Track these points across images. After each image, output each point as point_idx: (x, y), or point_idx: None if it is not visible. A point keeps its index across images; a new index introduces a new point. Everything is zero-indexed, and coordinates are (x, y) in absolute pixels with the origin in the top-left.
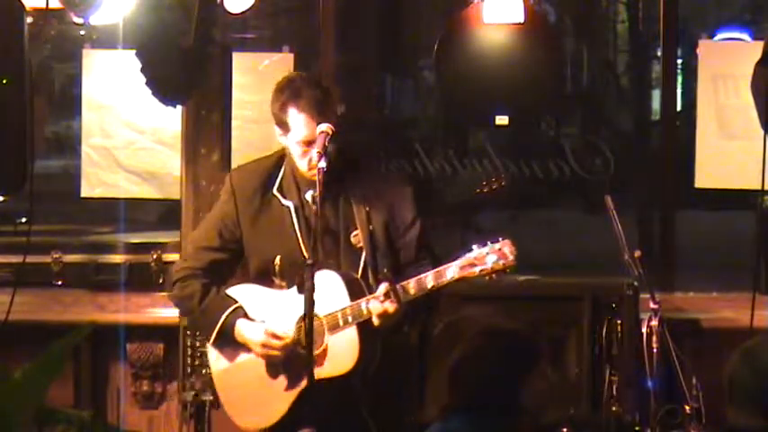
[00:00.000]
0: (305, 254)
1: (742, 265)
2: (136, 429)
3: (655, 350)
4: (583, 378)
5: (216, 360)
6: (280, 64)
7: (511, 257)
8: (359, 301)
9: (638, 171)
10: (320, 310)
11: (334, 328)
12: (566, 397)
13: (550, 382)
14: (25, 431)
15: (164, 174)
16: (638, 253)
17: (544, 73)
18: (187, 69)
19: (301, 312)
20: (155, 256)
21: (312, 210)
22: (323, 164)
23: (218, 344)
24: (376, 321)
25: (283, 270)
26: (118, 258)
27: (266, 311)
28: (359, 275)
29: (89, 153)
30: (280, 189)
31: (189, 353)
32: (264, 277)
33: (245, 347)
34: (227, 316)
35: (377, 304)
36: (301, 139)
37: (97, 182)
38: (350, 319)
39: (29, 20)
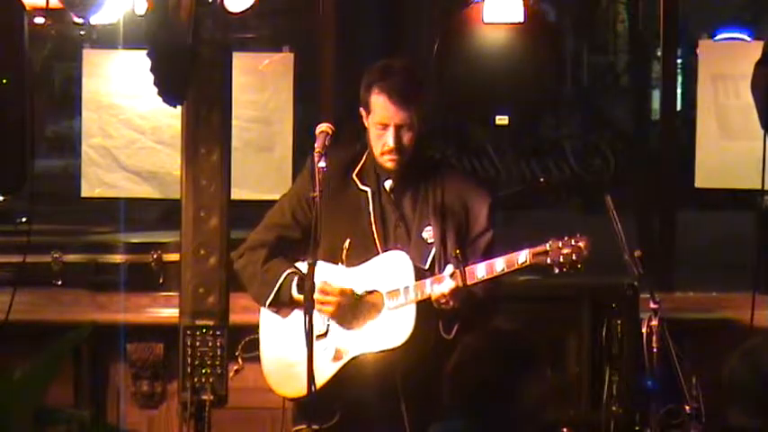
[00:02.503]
0: (375, 240)
1: (742, 265)
2: (136, 429)
3: (655, 350)
4: (583, 378)
5: (267, 325)
6: (280, 64)
7: (585, 253)
8: (424, 280)
9: (638, 171)
10: (384, 286)
11: (394, 303)
12: (566, 397)
13: (550, 383)
14: (25, 431)
15: (164, 174)
16: (638, 253)
17: (544, 73)
18: (187, 69)
19: (365, 287)
20: (155, 256)
21: (389, 198)
22: (323, 164)
23: (273, 309)
24: (441, 300)
25: (350, 254)
26: (118, 258)
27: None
28: (426, 268)
29: (89, 153)
30: (359, 175)
31: (189, 353)
32: (330, 259)
33: (298, 315)
34: (286, 276)
35: (442, 284)
36: (378, 121)
37: (97, 182)
38: (411, 296)
39: (40, 20)
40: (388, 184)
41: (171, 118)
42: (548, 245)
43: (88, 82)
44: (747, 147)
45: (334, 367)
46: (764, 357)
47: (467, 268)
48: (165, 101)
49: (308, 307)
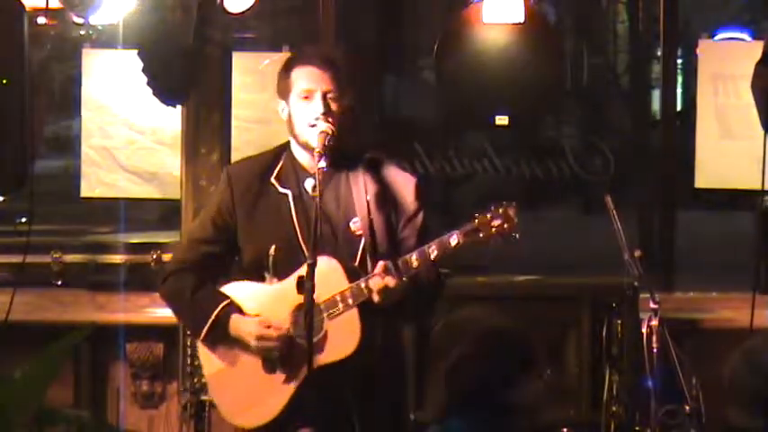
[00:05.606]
0: (301, 244)
1: (742, 265)
2: (136, 429)
3: (655, 350)
4: (583, 378)
5: (207, 358)
6: (280, 64)
7: (515, 219)
8: (358, 281)
9: (638, 171)
10: (318, 296)
11: (333, 311)
12: (566, 397)
13: (547, 383)
14: (25, 431)
15: (164, 174)
16: (638, 252)
17: (544, 73)
18: (187, 69)
19: (294, 303)
20: (155, 256)
21: (312, 199)
22: (323, 164)
23: (210, 341)
24: (376, 298)
25: (277, 261)
26: (118, 258)
27: (259, 306)
28: (356, 264)
29: (89, 153)
30: (278, 178)
31: (189, 353)
32: (257, 269)
33: (239, 344)
34: (220, 311)
35: (377, 280)
36: (303, 89)
37: (97, 182)
38: (349, 300)
39: (42, 20)
40: (309, 183)
41: (171, 118)
42: (476, 221)
43: (88, 82)
44: (747, 147)
45: (289, 390)
46: (764, 357)
47: (400, 259)
48: (161, 101)
49: (309, 306)
